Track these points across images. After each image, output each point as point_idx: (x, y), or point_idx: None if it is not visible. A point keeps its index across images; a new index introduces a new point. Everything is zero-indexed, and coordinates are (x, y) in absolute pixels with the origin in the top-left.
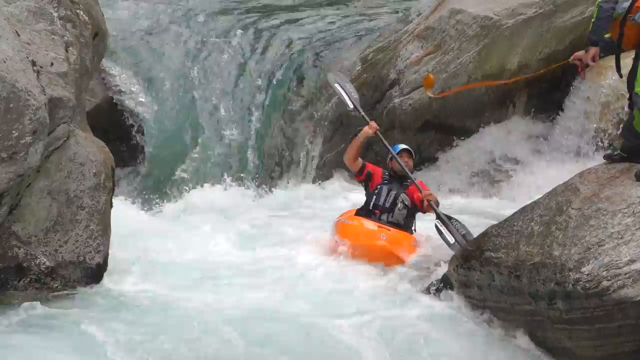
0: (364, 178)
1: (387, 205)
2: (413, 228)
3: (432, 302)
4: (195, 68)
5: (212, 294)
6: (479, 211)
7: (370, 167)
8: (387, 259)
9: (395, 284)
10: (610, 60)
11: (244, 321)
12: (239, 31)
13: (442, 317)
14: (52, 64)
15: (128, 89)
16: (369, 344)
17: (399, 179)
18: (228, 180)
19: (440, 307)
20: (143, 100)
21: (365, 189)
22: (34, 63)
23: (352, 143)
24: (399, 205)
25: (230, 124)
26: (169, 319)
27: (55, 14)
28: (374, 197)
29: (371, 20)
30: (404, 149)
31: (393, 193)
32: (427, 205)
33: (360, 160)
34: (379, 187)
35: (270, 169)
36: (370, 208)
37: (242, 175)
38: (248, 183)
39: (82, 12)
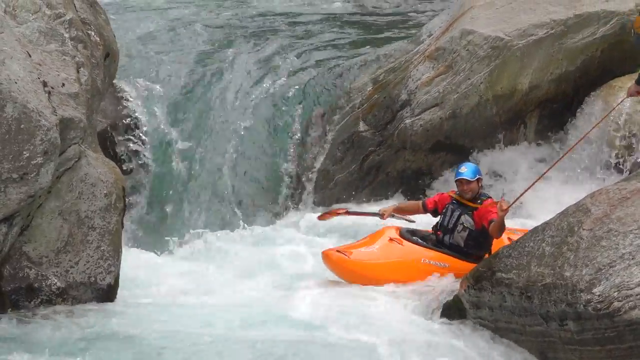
0: (434, 210)
1: (450, 226)
2: (487, 250)
3: (443, 323)
4: (206, 87)
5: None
6: None
7: (432, 200)
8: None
9: (405, 305)
10: (621, 81)
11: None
12: (248, 53)
13: (452, 338)
14: (63, 84)
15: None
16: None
17: (467, 200)
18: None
19: (451, 328)
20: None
21: (438, 213)
22: (45, 84)
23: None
24: (459, 227)
25: (241, 144)
26: None
27: (67, 35)
28: (441, 217)
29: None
30: (460, 179)
31: (456, 214)
32: (490, 229)
33: (420, 206)
34: (447, 206)
35: (284, 194)
36: (436, 228)
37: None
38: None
39: (93, 33)
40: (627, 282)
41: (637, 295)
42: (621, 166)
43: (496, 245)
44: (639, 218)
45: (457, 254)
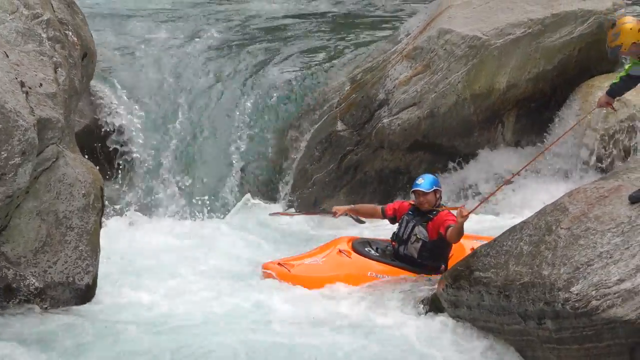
0: (392, 218)
1: (404, 237)
2: (443, 261)
3: (421, 322)
4: (182, 89)
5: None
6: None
7: (392, 207)
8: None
9: (381, 305)
10: (598, 80)
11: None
12: (228, 52)
13: (430, 337)
14: (41, 84)
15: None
16: None
17: (423, 211)
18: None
19: (429, 327)
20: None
21: (396, 221)
22: (22, 84)
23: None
24: (412, 238)
25: (219, 145)
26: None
27: (44, 35)
28: (398, 227)
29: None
30: (416, 191)
31: (410, 225)
32: (448, 234)
33: (378, 210)
34: (403, 217)
35: (261, 189)
36: (391, 238)
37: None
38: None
39: (71, 33)
40: (605, 280)
41: (615, 293)
42: (601, 164)
43: (457, 255)
44: (616, 216)
45: (409, 265)
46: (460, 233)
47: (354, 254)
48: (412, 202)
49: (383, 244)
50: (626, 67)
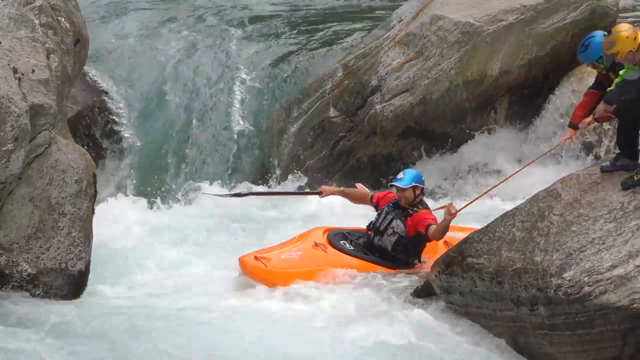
0: (376, 205)
1: (381, 228)
2: (416, 257)
3: (414, 309)
4: (178, 73)
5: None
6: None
7: (378, 195)
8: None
9: (375, 292)
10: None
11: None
12: (221, 38)
13: (423, 324)
14: (33, 70)
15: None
16: (351, 354)
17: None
18: (211, 183)
19: (421, 313)
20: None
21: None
22: (15, 70)
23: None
24: (389, 230)
25: (211, 129)
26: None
27: (37, 21)
28: (376, 217)
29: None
30: (392, 185)
31: (389, 217)
32: (431, 232)
33: (368, 196)
34: (383, 208)
35: (254, 174)
36: (368, 227)
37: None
38: (232, 185)
39: (63, 19)
40: (598, 266)
41: (607, 279)
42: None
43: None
44: (609, 203)
45: (382, 259)
46: (445, 231)
47: (329, 248)
48: (394, 196)
49: (357, 234)
50: (621, 72)
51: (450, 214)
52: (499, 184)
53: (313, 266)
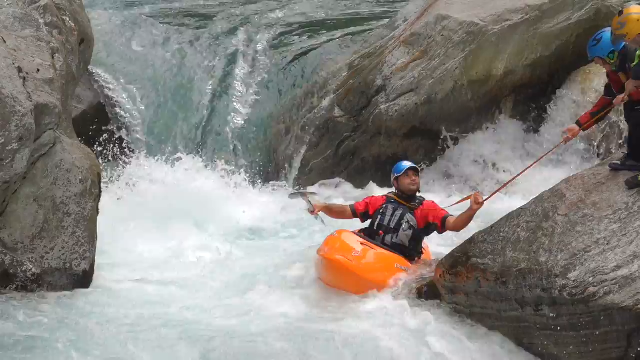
0: (364, 213)
1: (392, 225)
2: (420, 250)
3: (419, 308)
4: (182, 73)
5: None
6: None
7: (362, 203)
8: (351, 281)
9: (380, 292)
10: (595, 67)
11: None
12: (226, 37)
13: (428, 324)
14: (38, 70)
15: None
16: (352, 354)
17: (407, 199)
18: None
19: (426, 313)
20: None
21: (368, 215)
22: (20, 69)
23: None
24: (404, 225)
25: (218, 126)
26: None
27: (42, 21)
28: (379, 216)
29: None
30: (410, 168)
31: (399, 213)
32: (452, 223)
33: (348, 210)
34: (384, 206)
35: (258, 171)
36: (375, 228)
37: (231, 169)
38: (236, 181)
39: (68, 19)
40: (602, 267)
41: (612, 280)
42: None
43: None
44: (613, 203)
45: (401, 254)
46: (469, 221)
47: (374, 246)
48: (387, 195)
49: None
50: (638, 53)
51: (477, 202)
52: (517, 175)
53: (378, 264)
